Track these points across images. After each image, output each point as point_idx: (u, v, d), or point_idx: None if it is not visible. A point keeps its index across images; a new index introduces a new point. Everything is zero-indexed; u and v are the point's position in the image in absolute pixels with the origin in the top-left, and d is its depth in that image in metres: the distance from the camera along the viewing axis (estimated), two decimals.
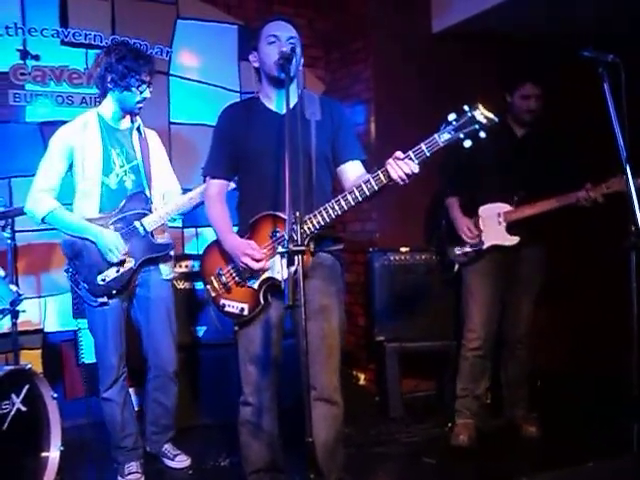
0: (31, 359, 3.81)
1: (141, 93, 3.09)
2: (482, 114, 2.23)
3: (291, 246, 2.11)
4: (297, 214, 2.15)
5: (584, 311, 4.67)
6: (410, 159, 2.28)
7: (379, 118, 4.63)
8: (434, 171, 3.37)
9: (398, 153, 2.30)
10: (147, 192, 3.21)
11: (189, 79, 4.58)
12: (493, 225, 3.58)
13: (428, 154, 2.27)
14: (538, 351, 3.93)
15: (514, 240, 3.56)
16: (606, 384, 4.05)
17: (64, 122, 3.23)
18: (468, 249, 3.63)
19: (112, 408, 3.18)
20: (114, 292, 3.08)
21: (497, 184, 3.56)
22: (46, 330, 4.09)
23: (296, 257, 2.11)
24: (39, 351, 4.05)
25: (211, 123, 4.39)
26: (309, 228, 2.44)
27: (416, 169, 2.28)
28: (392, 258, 4.29)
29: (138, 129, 3.24)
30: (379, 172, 2.34)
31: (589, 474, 1.90)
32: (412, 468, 3.42)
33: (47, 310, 4.08)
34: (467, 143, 2.23)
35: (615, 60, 2.46)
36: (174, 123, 4.52)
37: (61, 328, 4.11)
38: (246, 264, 2.53)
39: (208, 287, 2.71)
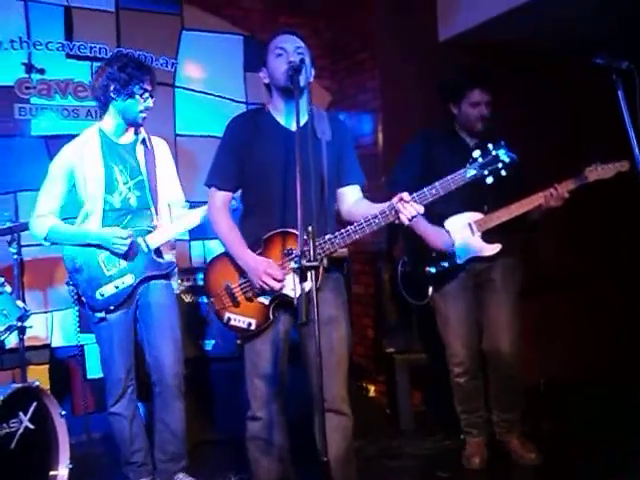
0: (38, 375, 3.81)
1: (144, 101, 3.03)
2: (505, 153, 2.35)
3: (304, 262, 2.08)
4: (310, 230, 2.12)
5: (599, 318, 4.63)
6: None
7: (386, 128, 4.60)
8: None
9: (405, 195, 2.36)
10: (152, 209, 3.14)
11: (195, 90, 4.56)
12: (466, 237, 3.37)
13: (453, 187, 2.40)
14: (549, 359, 3.87)
15: (494, 249, 3.37)
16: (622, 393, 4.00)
17: (70, 135, 3.21)
18: (442, 267, 3.38)
19: (120, 423, 3.11)
20: (112, 308, 3.02)
21: (457, 198, 3.05)
22: (53, 345, 4.06)
23: (309, 273, 2.08)
24: (46, 366, 4.02)
25: (217, 134, 4.38)
26: (327, 248, 2.44)
27: (421, 210, 2.38)
28: (401, 269, 4.24)
29: (143, 142, 3.17)
30: (385, 210, 2.40)
31: None
32: None
33: (54, 325, 4.06)
34: (489, 180, 2.38)
35: (630, 67, 2.41)
36: (180, 135, 4.50)
37: (68, 343, 4.07)
38: (267, 283, 2.50)
39: (212, 300, 2.66)
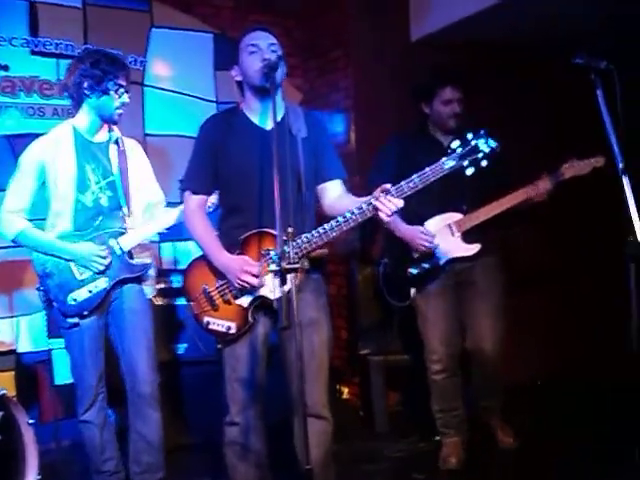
0: (4, 381, 3.72)
1: (119, 97, 2.94)
2: (485, 143, 2.29)
3: (284, 264, 2.03)
4: (290, 231, 2.08)
5: (586, 312, 4.67)
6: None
7: (358, 127, 4.58)
8: None
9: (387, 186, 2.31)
10: (124, 209, 3.05)
11: (164, 89, 4.48)
12: (447, 238, 3.36)
13: (433, 179, 2.31)
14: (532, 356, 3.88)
15: (474, 249, 3.37)
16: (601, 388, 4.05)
17: (35, 135, 3.09)
18: (422, 268, 3.38)
19: (91, 430, 3.01)
20: (85, 313, 2.93)
21: (436, 198, 3.19)
22: (19, 351, 3.94)
23: (289, 275, 2.03)
24: (12, 373, 3.90)
25: (187, 134, 4.35)
26: (305, 248, 2.38)
27: (400, 204, 2.30)
28: (382, 270, 4.20)
29: (116, 142, 3.08)
30: (362, 205, 2.33)
31: None
32: None
33: (20, 330, 3.94)
34: (469, 171, 2.31)
35: (609, 67, 2.40)
36: (149, 134, 4.41)
37: (35, 348, 3.97)
38: (245, 280, 2.45)
39: (192, 304, 2.61)
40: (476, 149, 2.29)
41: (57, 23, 4.07)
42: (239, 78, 2.59)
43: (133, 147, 3.17)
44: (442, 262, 3.38)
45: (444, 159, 2.30)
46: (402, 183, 2.32)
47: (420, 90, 3.53)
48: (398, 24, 4.60)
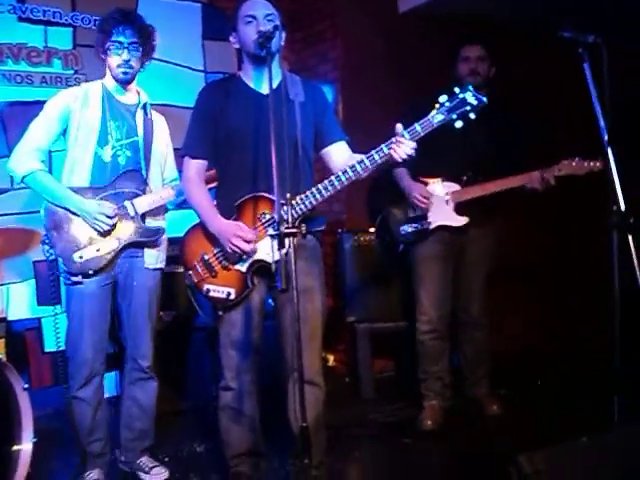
0: None
1: (120, 55, 2.84)
2: (473, 96, 2.32)
3: (283, 228, 2.08)
4: (288, 196, 2.12)
5: (563, 288, 4.77)
6: (404, 137, 2.34)
7: (346, 98, 4.61)
8: None
9: (398, 126, 2.34)
10: (143, 171, 2.96)
11: (152, 58, 4.43)
12: (441, 205, 3.49)
13: (422, 134, 2.34)
14: (515, 328, 3.95)
15: (462, 221, 3.49)
16: (587, 360, 4.11)
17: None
18: (414, 228, 3.54)
19: (83, 409, 2.90)
20: (90, 272, 2.82)
21: (445, 162, 3.45)
22: (9, 319, 3.95)
23: (287, 239, 2.07)
24: (2, 340, 3.91)
25: (176, 103, 4.34)
26: (301, 209, 2.42)
27: (413, 145, 2.35)
28: (362, 239, 4.27)
29: (144, 107, 3.02)
30: (383, 147, 2.37)
31: (582, 449, 1.92)
32: (391, 449, 3.42)
33: (10, 298, 3.95)
34: (458, 124, 2.34)
35: (596, 41, 2.45)
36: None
37: (25, 316, 3.99)
38: (237, 246, 2.48)
39: (190, 272, 2.64)
40: (464, 102, 2.32)
41: None
42: (237, 45, 2.62)
43: (160, 121, 3.13)
44: (431, 227, 3.50)
45: (432, 113, 2.34)
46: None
47: (449, 54, 3.59)
48: None
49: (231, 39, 2.63)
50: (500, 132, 3.43)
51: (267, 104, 2.28)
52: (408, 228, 3.57)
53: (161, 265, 3.07)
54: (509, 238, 4.47)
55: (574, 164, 3.28)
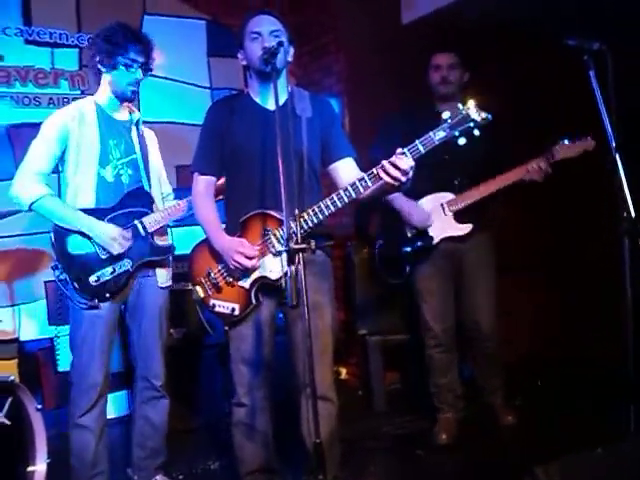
0: (7, 369, 3.73)
1: (132, 73, 2.83)
2: (476, 112, 2.27)
3: (292, 244, 2.08)
4: (296, 212, 2.12)
5: (576, 294, 4.71)
6: (404, 155, 2.27)
7: (351, 111, 4.62)
8: None
9: (398, 151, 2.28)
10: (147, 189, 2.96)
11: (157, 76, 4.47)
12: (439, 217, 3.42)
13: (423, 151, 2.28)
14: (529, 335, 3.91)
15: (465, 229, 3.42)
16: (599, 367, 4.07)
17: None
18: (417, 247, 3.45)
19: (85, 438, 2.80)
20: (107, 295, 2.79)
21: (431, 172, 3.15)
22: (22, 339, 3.96)
23: (297, 255, 2.08)
24: (14, 361, 3.91)
25: (181, 121, 4.37)
26: (308, 225, 2.42)
27: (412, 163, 2.26)
28: (379, 250, 4.26)
29: (137, 124, 3.01)
30: (374, 170, 2.32)
31: (598, 459, 1.91)
32: (405, 461, 3.41)
33: (22, 318, 3.95)
34: (461, 141, 2.35)
35: (601, 48, 2.45)
36: (143, 122, 4.40)
37: (37, 336, 3.99)
38: (238, 262, 2.49)
39: (197, 288, 2.66)
40: (468, 118, 2.26)
41: (50, 12, 4.07)
42: (244, 62, 2.64)
43: (151, 136, 3.14)
44: (435, 241, 3.45)
45: (435, 130, 2.28)
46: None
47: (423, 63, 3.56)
48: (388, 7, 4.60)
49: (239, 56, 2.65)
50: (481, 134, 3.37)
51: (273, 120, 2.28)
52: (409, 248, 3.49)
53: (169, 282, 3.06)
54: (514, 242, 4.50)
55: (565, 147, 3.25)
